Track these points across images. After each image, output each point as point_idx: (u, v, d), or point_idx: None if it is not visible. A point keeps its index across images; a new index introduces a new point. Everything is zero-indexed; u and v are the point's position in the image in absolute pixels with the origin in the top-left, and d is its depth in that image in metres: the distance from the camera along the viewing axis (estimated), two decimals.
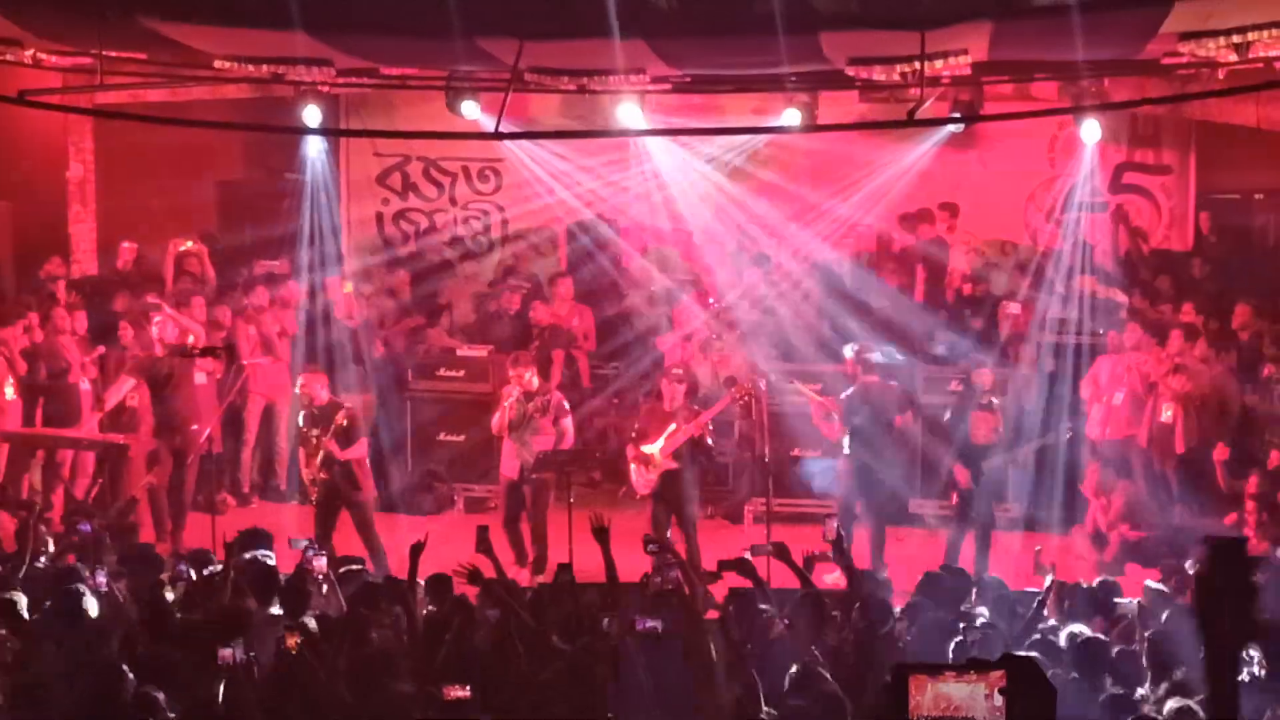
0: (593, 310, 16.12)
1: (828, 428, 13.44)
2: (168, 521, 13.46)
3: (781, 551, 9.90)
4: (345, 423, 12.71)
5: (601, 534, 9.43)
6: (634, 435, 12.96)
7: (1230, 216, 17.18)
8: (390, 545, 12.54)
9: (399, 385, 15.14)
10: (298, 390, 13.36)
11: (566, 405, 13.24)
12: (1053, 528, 13.36)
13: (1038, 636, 9.05)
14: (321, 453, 12.74)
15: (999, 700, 6.27)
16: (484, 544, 9.77)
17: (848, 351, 13.80)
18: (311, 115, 14.26)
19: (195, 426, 13.72)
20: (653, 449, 12.67)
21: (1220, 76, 12.15)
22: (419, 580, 9.44)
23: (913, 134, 15.35)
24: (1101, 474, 13.37)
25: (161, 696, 7.53)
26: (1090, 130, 14.22)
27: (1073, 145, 15.99)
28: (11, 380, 13.65)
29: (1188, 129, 17.00)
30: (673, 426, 12.67)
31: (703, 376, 14.54)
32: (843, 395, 13.29)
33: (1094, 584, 10.37)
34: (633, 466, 12.88)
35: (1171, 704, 7.66)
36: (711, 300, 16.14)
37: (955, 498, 12.95)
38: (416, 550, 9.42)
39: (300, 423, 13.19)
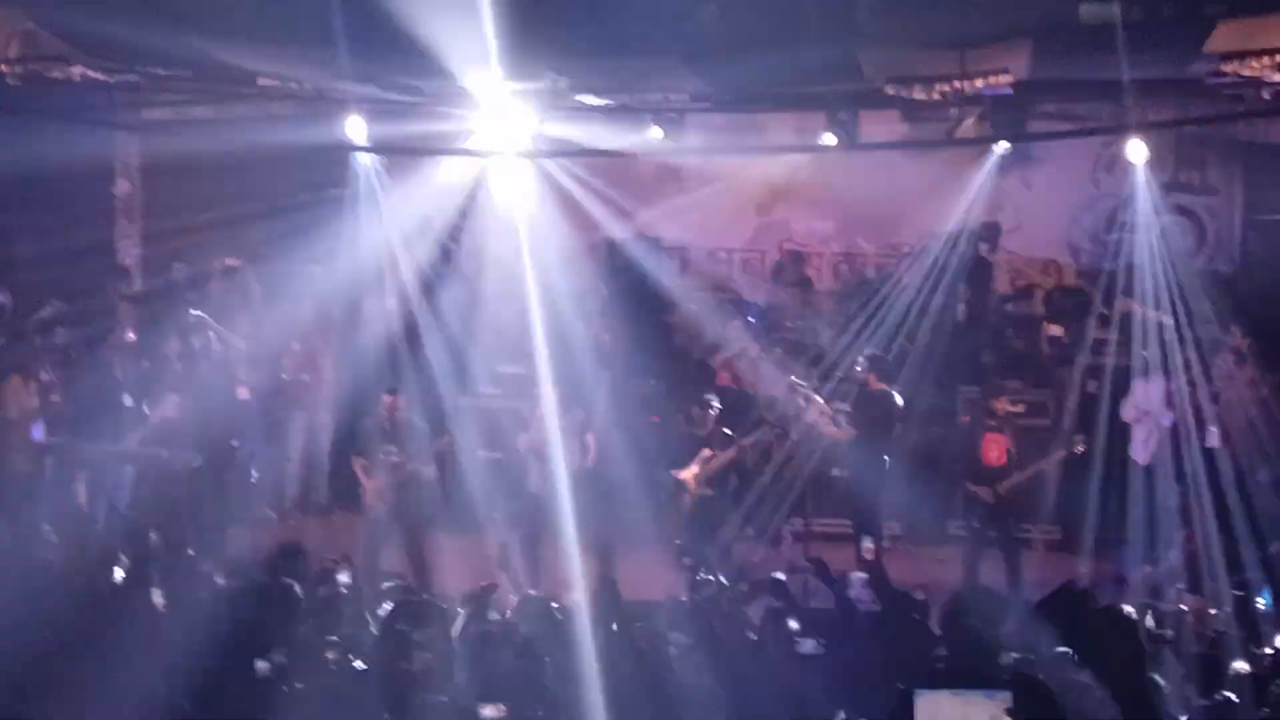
0: (629, 326, 16.08)
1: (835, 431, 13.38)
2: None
3: (820, 569, 9.91)
4: (449, 449, 12.84)
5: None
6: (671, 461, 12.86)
7: (1278, 237, 17.01)
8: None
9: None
10: (383, 408, 13.30)
11: (592, 422, 13.24)
12: (1093, 549, 13.27)
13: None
14: (395, 469, 12.80)
15: None
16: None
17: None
18: (355, 127, 14.28)
19: (235, 442, 13.76)
20: (686, 474, 12.55)
21: (1265, 96, 12.06)
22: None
23: (959, 156, 15.34)
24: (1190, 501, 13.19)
25: None
26: (1136, 150, 14.10)
27: (1117, 165, 15.90)
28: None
29: (1234, 150, 16.86)
30: (706, 452, 12.56)
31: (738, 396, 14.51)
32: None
33: None
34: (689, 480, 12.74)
35: None
36: (750, 318, 16.12)
37: (975, 519, 12.90)
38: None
39: (365, 438, 13.27)
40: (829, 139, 13.62)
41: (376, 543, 12.91)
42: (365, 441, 13.25)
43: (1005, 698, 6.01)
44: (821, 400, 13.63)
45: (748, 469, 12.93)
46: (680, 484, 12.64)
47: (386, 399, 13.33)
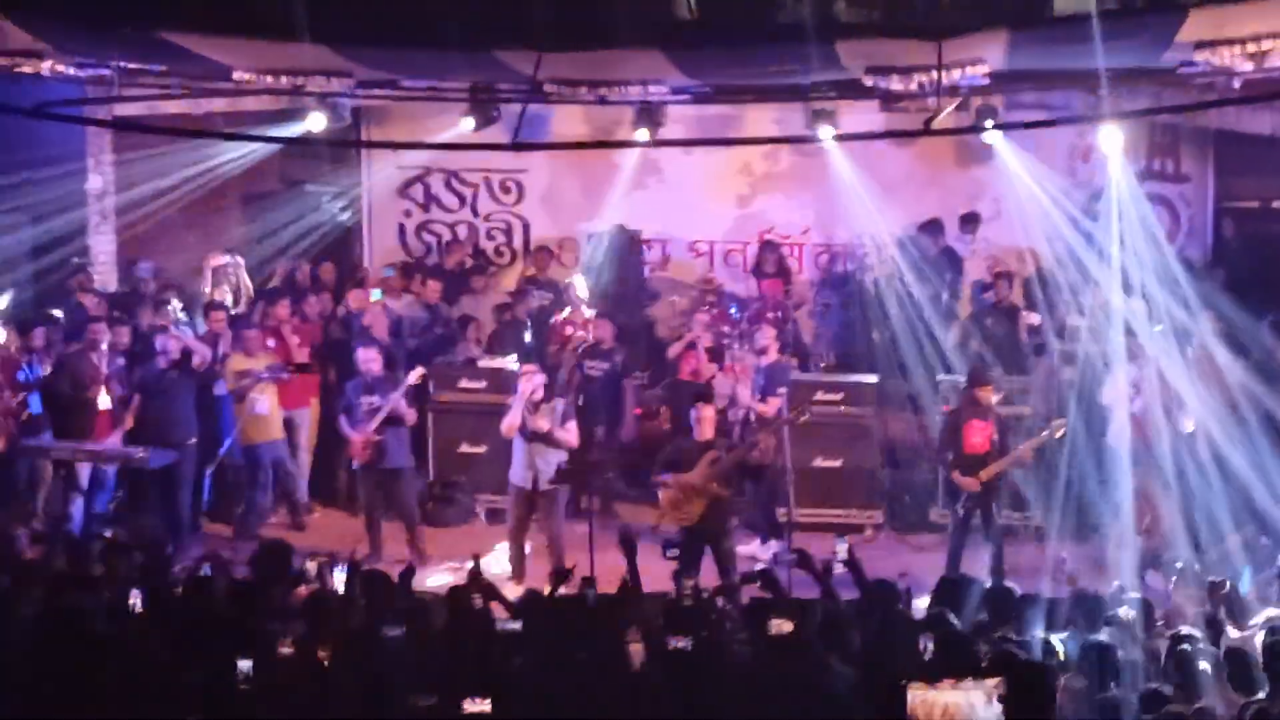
0: (613, 320, 16.12)
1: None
2: None
3: (804, 561, 9.93)
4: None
5: (628, 544, 9.49)
6: (664, 466, 12.60)
7: (1249, 225, 17.11)
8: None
9: (421, 396, 15.14)
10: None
11: (571, 412, 13.24)
12: (1070, 535, 13.33)
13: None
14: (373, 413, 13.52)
15: (998, 707, 6.27)
16: (476, 581, 9.81)
17: None
18: (315, 122, 14.21)
19: (193, 440, 13.86)
20: (694, 478, 12.40)
21: (1236, 85, 12.11)
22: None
23: (936, 147, 15.38)
24: (1148, 482, 13.27)
25: None
26: (1111, 138, 14.15)
27: (1092, 154, 15.94)
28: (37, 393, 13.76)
29: (1206, 138, 16.97)
30: (712, 454, 12.44)
31: (722, 387, 14.53)
32: None
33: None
34: (668, 498, 12.45)
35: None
36: (733, 311, 16.15)
37: (959, 507, 12.94)
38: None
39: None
40: (809, 130, 13.63)
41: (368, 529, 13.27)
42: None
43: (997, 682, 6.04)
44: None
45: (756, 467, 12.87)
46: (689, 487, 12.36)
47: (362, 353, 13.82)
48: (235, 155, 16.23)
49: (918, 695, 6.01)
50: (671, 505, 12.34)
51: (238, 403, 14.26)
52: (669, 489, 12.38)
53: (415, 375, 14.01)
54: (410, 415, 13.87)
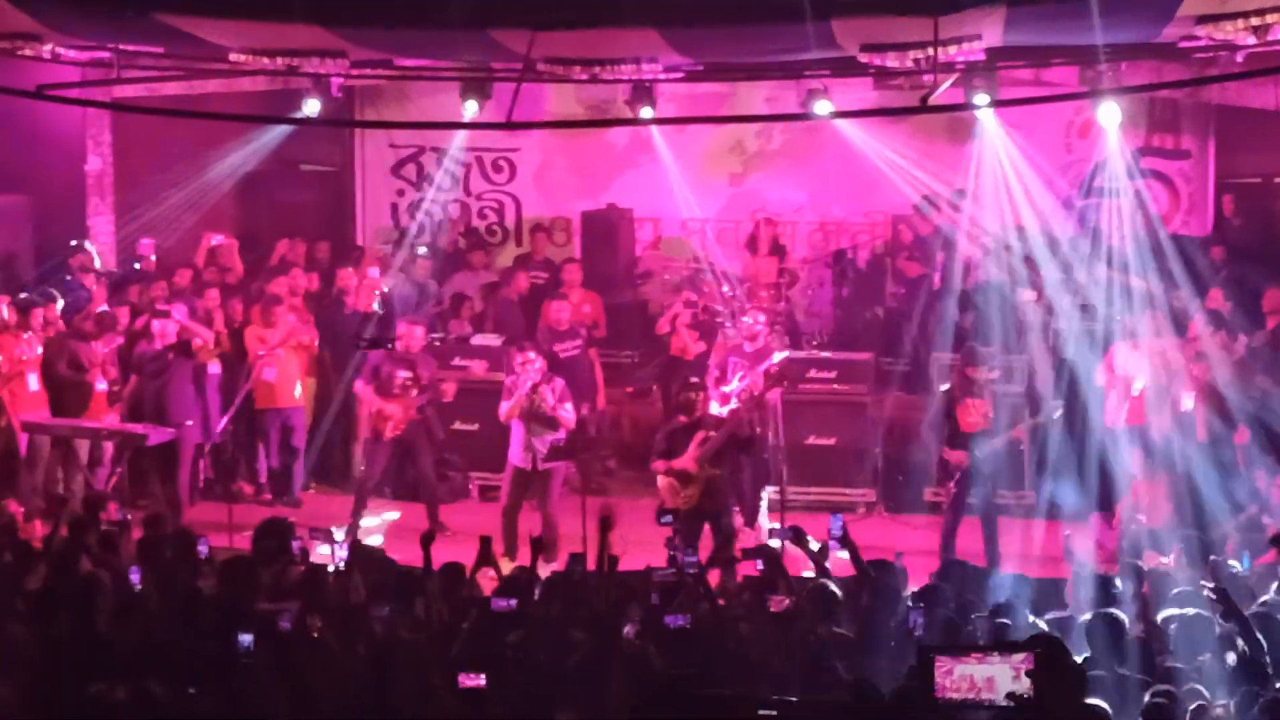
0: (605, 298, 16.12)
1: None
2: None
3: (799, 537, 9.95)
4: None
5: (605, 525, 9.51)
6: (657, 454, 12.63)
7: (1251, 200, 17.07)
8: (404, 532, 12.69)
9: None
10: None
11: (569, 391, 13.25)
12: (1070, 514, 13.31)
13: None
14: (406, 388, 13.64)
15: (1026, 682, 6.27)
16: (487, 557, 9.80)
17: None
18: (310, 108, 14.20)
19: (190, 422, 13.92)
20: (686, 461, 12.39)
21: (1239, 59, 12.06)
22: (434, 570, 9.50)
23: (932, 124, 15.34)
24: (1147, 461, 13.27)
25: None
26: (1109, 115, 14.09)
27: (1090, 131, 15.92)
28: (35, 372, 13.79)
29: (1207, 113, 16.91)
30: (700, 434, 12.48)
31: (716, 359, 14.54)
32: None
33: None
34: (666, 484, 12.50)
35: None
36: (725, 289, 16.15)
37: (953, 485, 12.93)
38: (428, 540, 9.50)
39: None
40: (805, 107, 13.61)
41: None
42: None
43: (1024, 657, 6.06)
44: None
45: (746, 440, 12.87)
46: (683, 472, 12.39)
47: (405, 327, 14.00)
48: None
49: (944, 667, 6.02)
50: (670, 492, 12.40)
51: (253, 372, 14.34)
52: (665, 477, 12.45)
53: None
54: (451, 390, 13.97)
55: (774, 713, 6.86)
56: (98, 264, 15.73)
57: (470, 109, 13.99)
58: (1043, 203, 15.54)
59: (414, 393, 13.69)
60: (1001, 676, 6.18)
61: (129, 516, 11.50)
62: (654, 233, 17.86)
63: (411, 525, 13.74)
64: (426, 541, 9.53)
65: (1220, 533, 12.19)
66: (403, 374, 13.71)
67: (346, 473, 14.87)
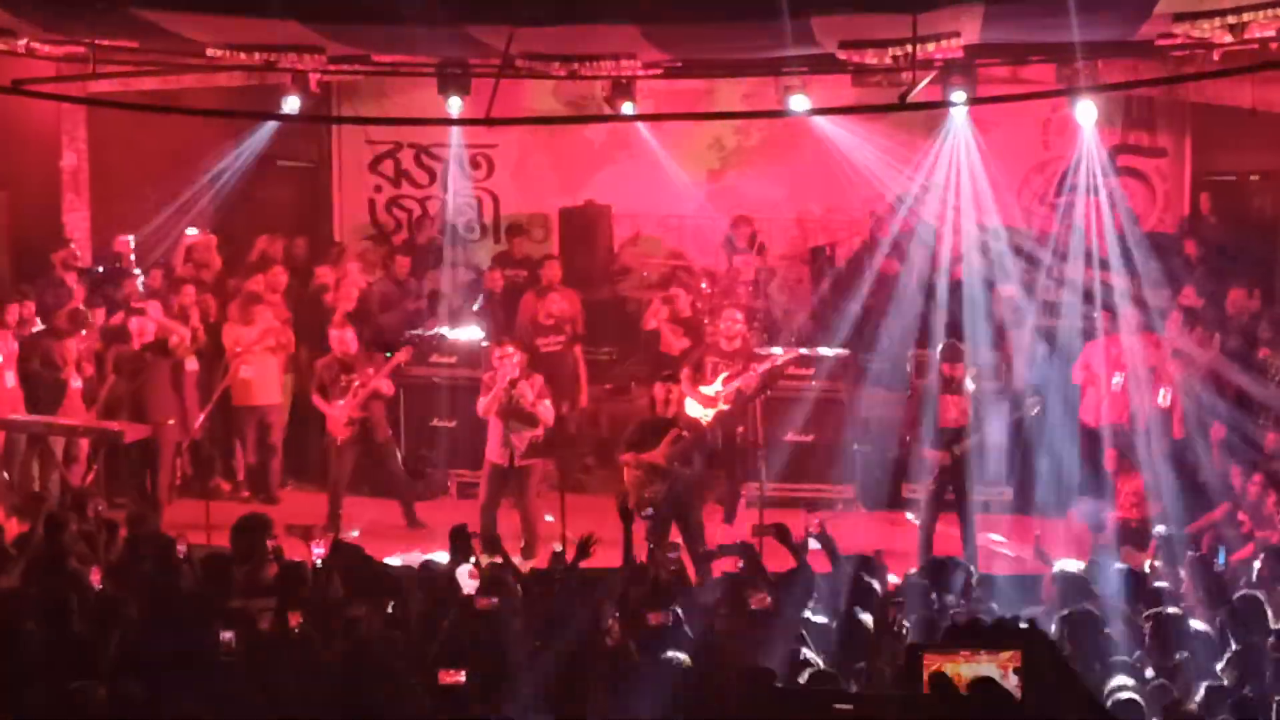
0: (583, 295, 16.10)
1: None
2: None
3: (782, 533, 9.96)
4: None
5: (626, 515, 9.57)
6: (627, 445, 12.58)
7: (1226, 198, 17.14)
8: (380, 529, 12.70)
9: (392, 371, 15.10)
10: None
11: (547, 388, 13.25)
12: (1045, 511, 13.37)
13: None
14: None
15: (1014, 678, 6.28)
16: (463, 544, 9.80)
17: None
18: (290, 105, 14.16)
19: (172, 421, 13.89)
20: (656, 456, 12.38)
21: (1215, 58, 12.10)
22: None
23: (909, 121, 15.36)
24: (1121, 458, 13.31)
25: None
26: (1086, 112, 14.14)
27: (1067, 128, 15.96)
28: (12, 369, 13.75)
29: (1183, 111, 16.96)
30: (674, 431, 12.47)
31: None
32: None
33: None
34: (631, 478, 12.42)
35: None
36: (704, 285, 16.15)
37: (932, 482, 12.94)
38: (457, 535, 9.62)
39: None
40: (782, 104, 13.60)
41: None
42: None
43: (1011, 655, 6.06)
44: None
45: (710, 451, 12.87)
46: (652, 466, 12.35)
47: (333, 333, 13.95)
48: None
49: (932, 663, 6.02)
50: (635, 485, 12.34)
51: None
52: (632, 469, 12.39)
53: (403, 354, 14.03)
54: (389, 389, 13.91)
55: (849, 706, 6.81)
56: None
57: (454, 105, 13.97)
58: (1014, 200, 15.58)
59: (351, 394, 13.70)
60: (990, 674, 6.18)
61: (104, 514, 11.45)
62: (633, 229, 17.84)
63: (389, 523, 13.81)
64: (456, 536, 9.62)
65: (1197, 529, 12.25)
66: (344, 377, 13.77)
67: (324, 470, 14.81)
